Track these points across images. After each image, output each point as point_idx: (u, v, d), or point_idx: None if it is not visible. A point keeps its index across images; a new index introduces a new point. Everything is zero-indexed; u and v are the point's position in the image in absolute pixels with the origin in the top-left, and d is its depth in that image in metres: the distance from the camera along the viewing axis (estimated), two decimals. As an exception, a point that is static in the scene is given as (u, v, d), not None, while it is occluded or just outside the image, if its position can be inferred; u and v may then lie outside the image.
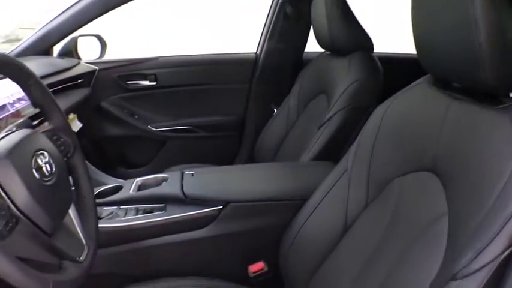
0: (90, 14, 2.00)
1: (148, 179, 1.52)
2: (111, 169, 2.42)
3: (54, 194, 0.88)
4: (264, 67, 2.55)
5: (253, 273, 1.37)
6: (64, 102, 1.84)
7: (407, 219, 0.95)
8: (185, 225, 1.34)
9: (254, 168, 1.72)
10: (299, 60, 2.57)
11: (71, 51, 2.25)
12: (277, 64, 2.56)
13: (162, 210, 1.36)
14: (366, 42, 1.85)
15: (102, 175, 2.21)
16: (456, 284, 0.73)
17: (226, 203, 1.35)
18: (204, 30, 7.98)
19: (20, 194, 0.79)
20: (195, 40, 7.10)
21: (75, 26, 2.05)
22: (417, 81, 1.09)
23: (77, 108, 2.05)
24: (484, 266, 0.72)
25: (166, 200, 1.39)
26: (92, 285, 1.20)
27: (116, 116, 2.44)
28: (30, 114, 1.38)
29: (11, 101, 1.37)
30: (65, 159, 1.00)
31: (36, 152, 0.87)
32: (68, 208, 0.96)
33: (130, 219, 1.33)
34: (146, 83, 2.48)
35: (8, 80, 1.35)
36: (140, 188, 1.47)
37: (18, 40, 2.09)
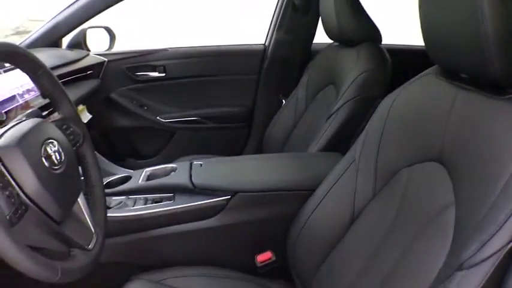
0: (99, 6, 2.01)
1: (157, 169, 1.53)
2: (120, 160, 2.44)
3: (63, 182, 0.89)
4: (272, 58, 2.55)
5: (261, 262, 1.38)
6: (73, 93, 1.85)
7: (414, 210, 0.95)
8: (193, 215, 1.35)
9: (262, 159, 1.72)
10: (308, 52, 2.57)
11: (80, 43, 2.26)
12: (286, 55, 2.56)
13: (171, 200, 1.37)
14: (374, 33, 1.84)
15: (112, 165, 2.22)
16: (462, 274, 0.73)
17: (234, 193, 1.36)
18: (213, 22, 7.97)
19: (29, 181, 0.79)
20: (203, 32, 7.09)
21: (84, 18, 2.06)
22: (425, 72, 1.09)
23: (86, 100, 2.06)
24: (490, 256, 0.72)
25: (175, 190, 1.40)
26: (100, 275, 1.22)
27: (125, 107, 2.45)
28: (39, 105, 1.40)
29: (20, 92, 1.38)
30: (74, 148, 1.00)
31: (45, 140, 0.87)
32: (77, 197, 0.96)
33: (139, 208, 1.34)
34: (155, 74, 2.49)
35: (16, 71, 1.37)
36: (149, 178, 1.48)
37: (27, 32, 2.10)
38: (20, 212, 0.76)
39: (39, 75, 0.99)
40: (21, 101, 1.35)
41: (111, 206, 1.35)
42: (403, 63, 1.74)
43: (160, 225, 1.34)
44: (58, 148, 0.89)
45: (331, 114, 1.72)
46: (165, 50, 2.50)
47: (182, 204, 1.35)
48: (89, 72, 2.16)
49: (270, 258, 1.38)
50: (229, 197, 1.36)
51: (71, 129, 1.03)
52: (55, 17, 2.04)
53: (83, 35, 2.27)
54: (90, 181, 1.07)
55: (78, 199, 0.97)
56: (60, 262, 0.81)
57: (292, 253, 1.27)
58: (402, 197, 1.00)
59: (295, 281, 1.28)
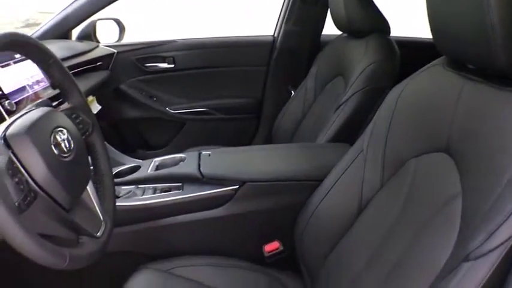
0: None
1: (166, 159, 1.54)
2: (130, 151, 2.44)
3: (72, 170, 0.89)
4: (281, 49, 2.54)
5: (268, 252, 1.38)
6: (83, 84, 1.86)
7: (421, 200, 0.95)
8: (202, 205, 1.36)
9: (270, 149, 1.73)
10: (316, 43, 2.56)
11: (89, 35, 2.28)
12: (295, 46, 2.55)
13: (179, 190, 1.38)
14: (382, 25, 1.84)
15: (121, 155, 2.23)
16: (469, 265, 0.73)
17: (242, 182, 1.37)
18: (222, 13, 7.96)
19: (38, 169, 0.80)
20: (212, 24, 7.09)
21: (93, 10, 2.07)
22: (432, 63, 1.09)
23: (96, 91, 2.08)
24: (497, 247, 0.72)
25: (183, 180, 1.40)
26: (108, 264, 1.24)
27: (134, 98, 2.46)
28: (48, 96, 1.41)
29: (30, 83, 1.39)
30: (84, 137, 1.01)
31: (55, 128, 0.88)
32: (86, 184, 0.97)
33: (147, 198, 1.35)
34: (164, 65, 2.49)
35: (26, 62, 1.39)
36: (158, 167, 1.49)
37: (37, 24, 2.11)
38: (29, 198, 0.76)
39: (49, 65, 1.00)
40: (31, 92, 1.36)
41: (120, 195, 1.36)
42: (412, 56, 1.74)
43: (169, 215, 1.35)
44: (67, 136, 0.90)
45: (340, 105, 1.72)
46: (174, 41, 2.51)
47: (191, 193, 1.36)
48: (98, 63, 2.17)
49: (277, 248, 1.38)
50: (237, 186, 1.36)
51: (80, 118, 1.03)
52: (65, 9, 2.05)
53: (92, 26, 2.28)
54: (100, 170, 1.08)
55: (88, 187, 0.98)
56: (68, 249, 0.81)
57: (300, 243, 1.27)
58: (410, 187, 1.00)
59: (303, 270, 1.28)
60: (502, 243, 0.72)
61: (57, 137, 0.88)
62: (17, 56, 1.39)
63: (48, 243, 0.76)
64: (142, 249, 1.37)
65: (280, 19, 2.58)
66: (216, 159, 1.50)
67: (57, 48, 1.80)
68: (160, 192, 1.38)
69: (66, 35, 2.15)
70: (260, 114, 2.63)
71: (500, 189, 0.75)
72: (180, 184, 1.40)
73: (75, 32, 2.24)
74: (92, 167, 1.07)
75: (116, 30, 2.39)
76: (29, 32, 2.07)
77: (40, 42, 0.97)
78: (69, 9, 2.04)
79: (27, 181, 0.78)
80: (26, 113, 0.88)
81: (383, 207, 1.07)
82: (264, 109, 2.61)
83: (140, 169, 1.48)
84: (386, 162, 1.10)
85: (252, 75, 2.58)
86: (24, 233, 0.71)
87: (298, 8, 2.50)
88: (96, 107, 2.09)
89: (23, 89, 1.33)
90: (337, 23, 1.95)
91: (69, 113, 1.01)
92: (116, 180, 1.37)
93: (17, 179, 0.75)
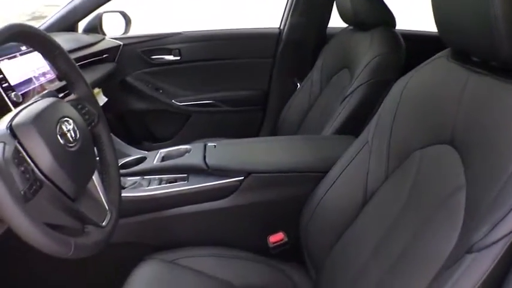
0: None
1: (171, 150, 1.55)
2: (136, 143, 2.46)
3: (78, 160, 0.90)
4: (287, 42, 2.54)
5: (273, 243, 1.38)
6: (89, 76, 1.87)
7: (426, 192, 0.95)
8: (207, 196, 1.37)
9: (276, 141, 1.73)
10: (322, 35, 2.56)
11: (95, 28, 2.28)
12: (301, 39, 2.55)
13: (185, 181, 1.38)
14: (388, 17, 1.84)
15: (127, 147, 2.25)
16: (472, 257, 0.73)
17: (247, 173, 1.37)
18: (228, 6, 7.95)
19: (44, 158, 0.80)
20: (218, 16, 7.08)
21: (99, 3, 2.07)
22: (437, 55, 1.08)
23: (102, 83, 2.08)
24: (500, 239, 0.71)
25: (189, 171, 1.41)
26: (114, 254, 1.25)
27: (140, 90, 2.47)
28: (55, 88, 1.41)
29: (36, 75, 1.39)
30: (89, 127, 1.01)
31: (60, 118, 0.88)
32: (92, 174, 0.98)
33: (153, 188, 1.36)
34: (170, 57, 2.50)
35: (32, 55, 1.39)
36: (164, 159, 1.49)
37: (43, 17, 2.12)
38: (34, 187, 0.77)
39: (55, 56, 1.00)
40: (37, 84, 1.37)
41: (126, 186, 1.37)
42: (418, 49, 1.73)
43: (174, 206, 1.36)
44: (73, 126, 0.90)
45: (345, 98, 1.72)
46: (180, 33, 2.51)
47: (196, 184, 1.36)
48: (104, 55, 2.17)
49: (282, 239, 1.38)
50: (242, 177, 1.37)
51: (86, 108, 1.04)
52: (71, 1, 2.06)
53: (98, 19, 2.29)
54: (105, 160, 1.08)
55: (93, 178, 0.98)
56: (73, 238, 0.81)
57: (305, 234, 1.28)
58: (414, 179, 1.00)
59: (307, 261, 1.29)
60: (505, 235, 0.71)
61: (63, 127, 0.88)
62: (23, 48, 1.39)
63: (53, 232, 0.76)
64: (147, 240, 1.38)
65: (286, 11, 2.57)
66: (221, 151, 1.51)
67: (63, 41, 1.79)
68: (166, 183, 1.38)
69: (72, 28, 2.16)
70: (266, 106, 2.63)
71: (504, 181, 0.75)
72: (186, 175, 1.40)
73: (82, 25, 2.25)
74: (97, 158, 1.07)
75: (122, 22, 2.39)
76: (35, 25, 2.07)
77: (46, 33, 0.98)
78: (76, 2, 2.05)
79: (33, 170, 0.78)
80: (32, 103, 0.89)
81: (388, 199, 1.07)
82: (269, 101, 2.61)
83: (146, 160, 1.49)
84: (391, 154, 1.10)
85: (257, 67, 2.58)
86: (30, 221, 0.72)
87: (304, 1, 2.49)
88: (102, 99, 2.09)
89: (29, 80, 1.34)
90: (343, 16, 1.95)
91: (75, 104, 1.01)
92: (122, 171, 1.38)
93: (22, 168, 0.76)
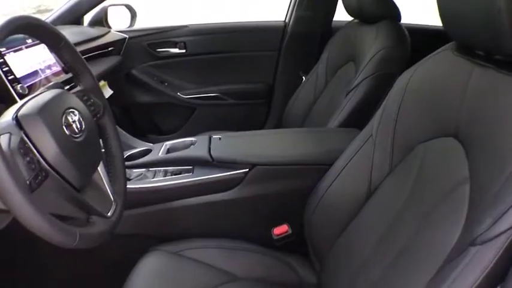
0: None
1: (176, 142, 1.55)
2: (141, 136, 2.46)
3: (84, 151, 0.90)
4: (292, 35, 2.54)
5: (277, 235, 1.39)
6: (95, 69, 1.86)
7: (430, 185, 0.95)
8: (212, 187, 1.37)
9: (280, 133, 1.73)
10: (328, 28, 2.55)
11: (101, 21, 2.29)
12: (306, 32, 2.55)
13: (190, 173, 1.39)
14: (393, 11, 1.84)
15: (132, 139, 2.25)
16: (475, 250, 0.73)
17: (252, 165, 1.37)
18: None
19: (49, 148, 0.81)
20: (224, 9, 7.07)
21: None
22: (442, 48, 1.08)
23: (108, 76, 2.08)
24: (503, 232, 0.71)
25: (194, 163, 1.42)
26: (119, 246, 1.25)
27: (145, 83, 2.48)
28: (60, 80, 1.42)
29: (42, 67, 1.40)
30: (95, 119, 1.02)
31: (66, 109, 0.89)
32: (97, 165, 0.98)
33: (158, 180, 1.36)
34: (176, 50, 2.50)
35: (38, 47, 1.40)
36: (169, 151, 1.50)
37: (49, 11, 2.12)
38: (40, 178, 0.77)
39: (60, 48, 1.01)
40: (43, 76, 1.37)
41: (131, 178, 1.37)
42: (423, 43, 1.73)
43: (179, 197, 1.36)
44: (79, 117, 0.91)
45: (350, 91, 1.73)
46: (186, 26, 2.51)
47: (201, 176, 1.37)
48: (110, 48, 2.18)
49: (286, 232, 1.39)
50: (247, 170, 1.37)
51: (92, 100, 1.04)
52: (77, -5, 2.06)
53: (104, 12, 2.29)
54: (111, 152, 1.08)
55: (99, 169, 0.99)
56: (78, 228, 0.81)
57: (309, 226, 1.28)
58: (418, 172, 1.00)
59: (311, 253, 1.29)
60: (509, 228, 0.71)
61: (69, 117, 0.88)
62: (29, 41, 1.40)
63: (58, 222, 0.77)
64: (152, 231, 1.39)
65: (292, 4, 2.57)
66: (226, 143, 1.51)
67: (69, 34, 1.79)
68: (171, 175, 1.39)
69: (78, 21, 2.16)
70: (271, 99, 2.63)
71: (506, 174, 0.74)
72: (191, 167, 1.41)
73: (87, 18, 2.25)
74: (103, 149, 1.08)
75: (127, 15, 2.39)
76: (41, 18, 2.08)
77: (51, 25, 0.98)
78: (81, -5, 2.05)
79: (38, 161, 0.79)
80: (38, 94, 0.89)
81: (392, 192, 1.07)
82: (275, 94, 2.61)
83: (151, 152, 1.49)
84: (395, 147, 1.10)
85: (263, 60, 2.58)
86: (34, 210, 0.72)
87: (309, -6, 2.48)
88: (108, 92, 2.10)
89: (35, 73, 1.34)
90: (348, 9, 1.95)
91: (80, 95, 1.01)
92: (127, 163, 1.38)
93: (28, 159, 0.76)
